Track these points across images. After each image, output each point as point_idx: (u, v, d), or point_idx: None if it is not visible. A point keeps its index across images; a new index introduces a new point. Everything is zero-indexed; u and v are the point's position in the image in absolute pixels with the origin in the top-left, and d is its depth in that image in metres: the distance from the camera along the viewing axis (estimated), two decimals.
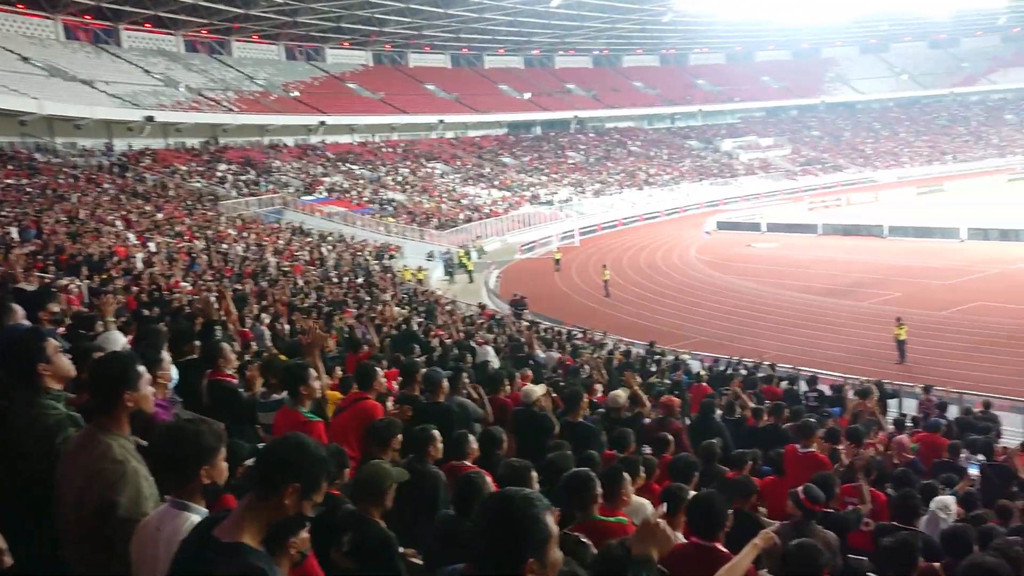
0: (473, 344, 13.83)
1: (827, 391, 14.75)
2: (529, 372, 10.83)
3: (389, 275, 30.35)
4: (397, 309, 18.85)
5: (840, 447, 8.28)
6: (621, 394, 7.36)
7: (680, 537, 4.23)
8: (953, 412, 13.69)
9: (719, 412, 9.93)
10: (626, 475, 4.46)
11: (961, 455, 9.27)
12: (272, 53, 66.88)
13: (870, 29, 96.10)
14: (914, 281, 30.44)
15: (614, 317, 28.04)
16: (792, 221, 49.46)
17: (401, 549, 4.00)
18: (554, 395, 8.01)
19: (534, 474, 4.27)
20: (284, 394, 5.30)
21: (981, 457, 9.15)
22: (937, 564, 4.82)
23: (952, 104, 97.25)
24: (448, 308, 22.95)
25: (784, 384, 15.25)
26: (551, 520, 2.11)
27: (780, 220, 49.93)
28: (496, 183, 59.37)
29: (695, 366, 17.48)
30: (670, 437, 7.04)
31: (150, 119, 46.55)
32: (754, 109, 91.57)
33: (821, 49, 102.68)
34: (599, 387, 10.26)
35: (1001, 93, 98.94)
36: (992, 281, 29.50)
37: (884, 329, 21.82)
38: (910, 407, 14.78)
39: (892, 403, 14.76)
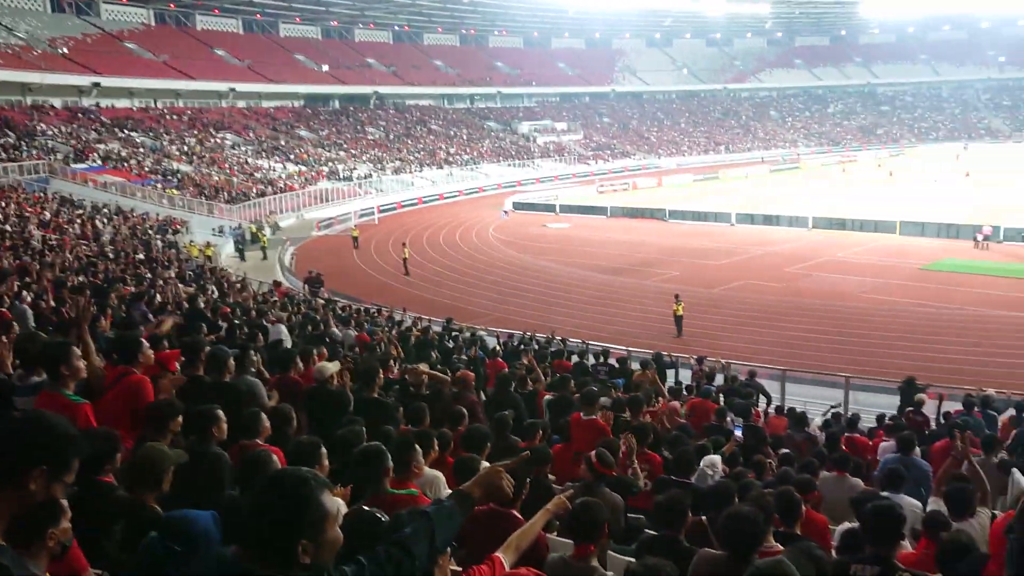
0: (265, 323, 13.30)
1: (615, 364, 15.58)
2: (324, 350, 10.60)
3: (173, 251, 28.46)
4: (182, 287, 17.75)
5: (624, 415, 8.80)
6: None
7: None
8: (722, 380, 14.97)
9: (513, 385, 10.21)
10: (417, 448, 4.47)
11: (727, 418, 10.16)
12: (35, 3, 60.18)
13: (655, 24, 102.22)
14: (691, 261, 32.91)
15: (413, 295, 28.05)
16: (584, 203, 51.80)
17: None
18: (349, 372, 7.88)
19: (323, 451, 4.18)
20: (44, 376, 4.81)
21: (742, 420, 10.08)
22: (704, 517, 5.25)
23: (726, 99, 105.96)
24: (239, 285, 21.91)
25: (575, 358, 15.94)
26: (328, 499, 2.07)
27: (573, 202, 52.12)
28: (292, 157, 57.31)
29: (491, 342, 17.86)
30: (464, 411, 7.15)
31: None
32: (550, 94, 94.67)
33: (612, 40, 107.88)
34: (395, 364, 10.22)
35: (767, 91, 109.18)
36: (757, 261, 32.52)
37: (664, 305, 23.40)
38: (685, 376, 15.97)
39: (670, 373, 15.89)
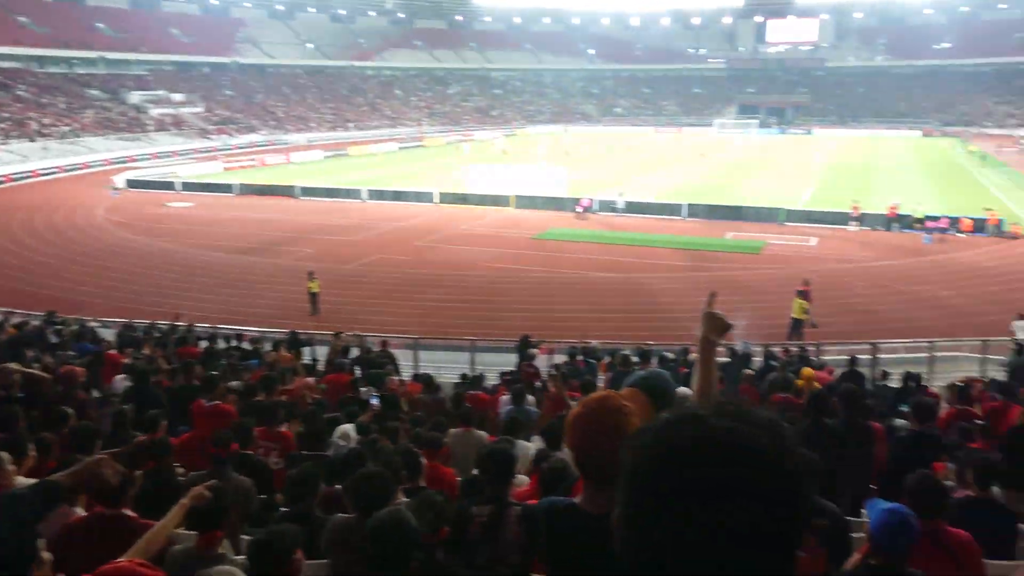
0: None
1: (248, 346, 15.07)
2: None
3: None
4: None
5: (258, 396, 8.58)
6: None
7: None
8: (357, 353, 15.23)
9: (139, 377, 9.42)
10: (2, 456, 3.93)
11: (362, 390, 10.38)
12: None
13: None
14: (324, 238, 32.83)
15: (4, 286, 24.37)
16: (208, 181, 49.12)
17: None
18: None
19: None
20: None
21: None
22: (338, 487, 5.35)
23: (352, 76, 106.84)
24: None
25: (203, 343, 15.11)
26: None
27: (195, 179, 49.19)
28: None
29: (107, 334, 16.22)
30: (68, 410, 6.45)
31: None
32: (164, 62, 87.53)
33: (231, 8, 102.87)
34: None
35: (391, 70, 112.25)
36: (388, 236, 33.45)
37: (300, 284, 23.10)
38: (322, 353, 15.97)
39: (306, 350, 15.80)
